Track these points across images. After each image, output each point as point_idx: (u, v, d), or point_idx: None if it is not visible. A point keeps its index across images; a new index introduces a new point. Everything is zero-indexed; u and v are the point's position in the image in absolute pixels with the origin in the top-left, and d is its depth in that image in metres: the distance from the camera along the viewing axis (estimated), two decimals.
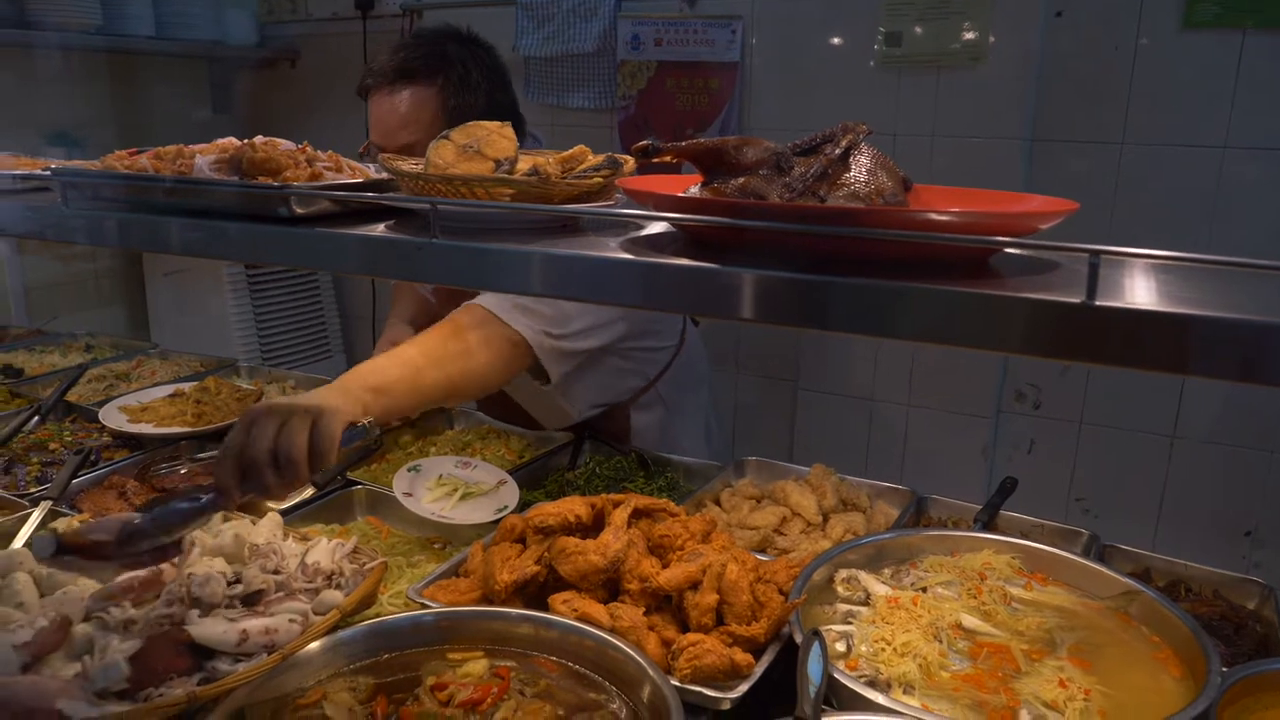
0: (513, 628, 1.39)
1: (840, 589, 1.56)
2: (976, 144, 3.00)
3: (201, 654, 1.22)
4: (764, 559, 1.61)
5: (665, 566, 1.47)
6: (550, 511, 1.52)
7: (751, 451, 2.20)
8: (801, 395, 3.30)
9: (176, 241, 1.35)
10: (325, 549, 1.47)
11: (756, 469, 2.17)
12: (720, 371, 3.44)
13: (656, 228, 1.25)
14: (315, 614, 1.32)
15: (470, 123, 1.41)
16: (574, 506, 1.53)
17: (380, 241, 1.17)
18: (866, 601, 1.52)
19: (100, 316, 4.13)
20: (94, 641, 1.25)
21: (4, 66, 3.84)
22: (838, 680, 1.25)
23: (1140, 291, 0.88)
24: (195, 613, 1.26)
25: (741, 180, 1.15)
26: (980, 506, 1.93)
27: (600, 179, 1.28)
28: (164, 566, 1.37)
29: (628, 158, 1.32)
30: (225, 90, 4.49)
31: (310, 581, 1.38)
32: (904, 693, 1.29)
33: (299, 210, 1.30)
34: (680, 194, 1.14)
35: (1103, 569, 1.58)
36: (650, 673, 1.25)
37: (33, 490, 2.06)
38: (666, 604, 1.47)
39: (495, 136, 1.41)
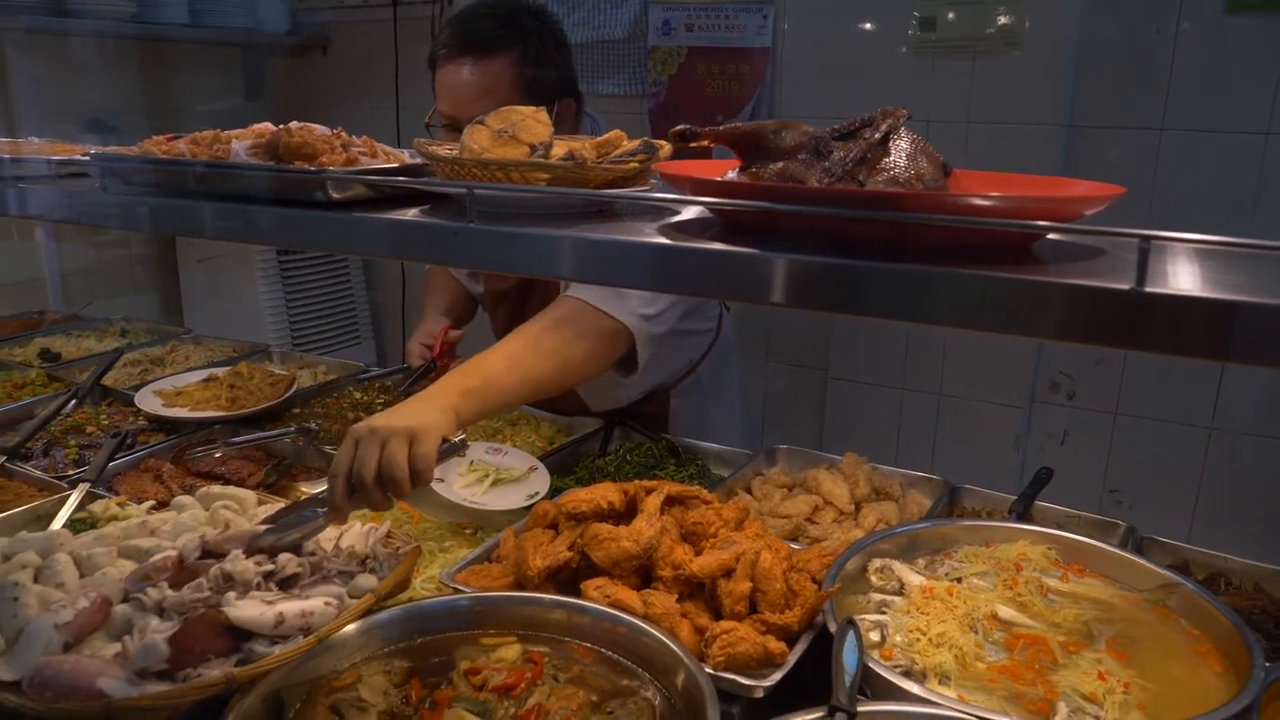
0: (546, 613, 1.39)
1: (874, 578, 1.55)
2: (1013, 130, 2.96)
3: (239, 636, 1.23)
4: (796, 547, 1.60)
5: (698, 554, 1.47)
6: (583, 498, 1.52)
7: (781, 440, 2.19)
8: (832, 384, 3.27)
9: (213, 226, 1.35)
10: (359, 533, 1.48)
11: (788, 457, 2.16)
12: (750, 360, 3.42)
13: (691, 213, 1.24)
14: (350, 597, 1.33)
15: (505, 107, 1.40)
16: (607, 493, 1.53)
17: (416, 226, 1.17)
18: (901, 591, 1.51)
19: (134, 302, 4.18)
20: (132, 622, 1.26)
21: (41, 53, 3.88)
22: (873, 670, 1.25)
23: (1186, 278, 0.86)
24: (232, 595, 1.27)
25: (780, 165, 1.14)
26: (1014, 497, 1.91)
27: (636, 164, 1.27)
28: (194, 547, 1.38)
29: (663, 143, 1.31)
30: (258, 77, 4.51)
31: (345, 565, 1.39)
32: (940, 683, 1.28)
33: (335, 195, 1.30)
34: (718, 179, 1.13)
35: (1141, 561, 1.56)
36: (684, 660, 1.25)
37: (71, 473, 2.09)
38: (699, 591, 1.47)
39: (530, 121, 1.40)
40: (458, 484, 1.93)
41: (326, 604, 1.28)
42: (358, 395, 2.58)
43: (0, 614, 1.26)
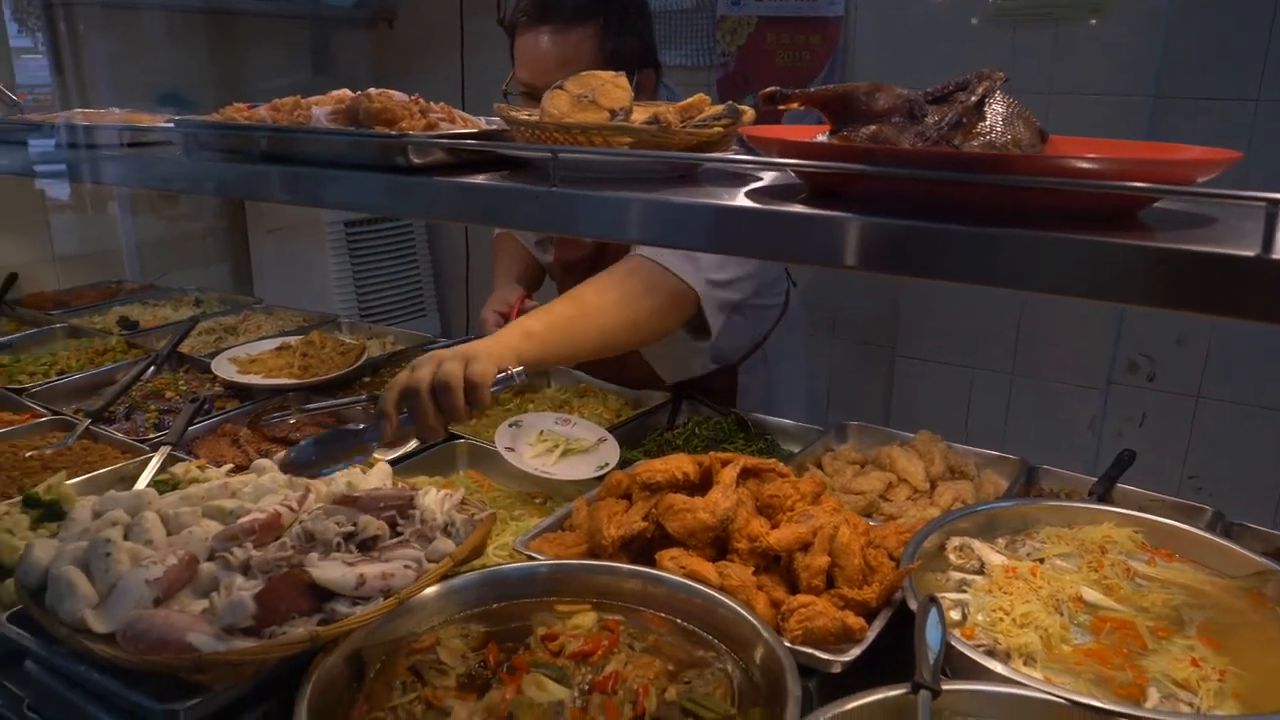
0: (621, 582, 1.39)
1: (953, 557, 1.52)
2: (1097, 101, 2.86)
3: (321, 596, 1.25)
4: (873, 524, 1.57)
5: (774, 527, 1.45)
6: (658, 468, 1.51)
7: (845, 418, 2.15)
8: (900, 362, 3.22)
9: (294, 191, 1.36)
10: (435, 499, 1.48)
11: (858, 434, 2.12)
12: (815, 336, 3.38)
13: (770, 178, 1.22)
14: (428, 561, 1.33)
15: (584, 72, 1.39)
16: (681, 464, 1.52)
17: (499, 191, 1.17)
18: (981, 570, 1.48)
19: (206, 273, 4.26)
20: (218, 579, 1.29)
21: (113, 29, 3.95)
22: (955, 648, 1.22)
23: None
24: (315, 555, 1.28)
25: (873, 128, 1.11)
26: (1094, 479, 1.86)
27: (720, 128, 1.24)
28: (281, 510, 1.40)
29: (746, 108, 1.29)
30: (325, 51, 4.55)
31: (422, 530, 1.40)
32: (1025, 664, 1.25)
33: (416, 160, 1.30)
34: (811, 141, 1.10)
35: (1234, 547, 1.51)
36: (763, 632, 1.24)
37: (151, 436, 2.14)
38: (774, 565, 1.45)
39: (610, 86, 1.38)
40: (528, 454, 1.93)
41: (406, 567, 1.29)
42: None
43: (93, 568, 1.29)
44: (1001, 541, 1.57)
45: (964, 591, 1.42)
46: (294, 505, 1.42)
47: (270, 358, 2.51)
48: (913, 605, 1.31)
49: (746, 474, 1.53)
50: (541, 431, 2.02)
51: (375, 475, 1.59)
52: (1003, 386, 3.11)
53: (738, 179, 1.22)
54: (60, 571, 1.28)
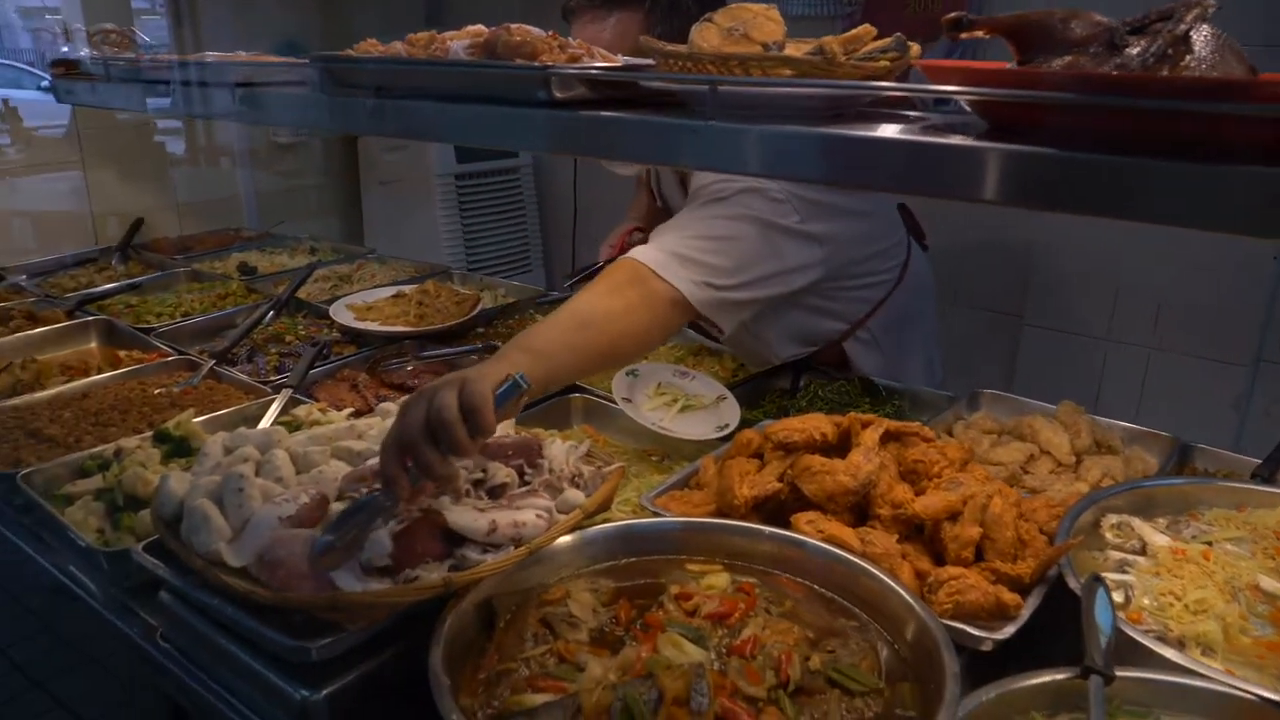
0: (755, 544, 1.33)
1: (1109, 535, 1.41)
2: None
3: (452, 541, 1.22)
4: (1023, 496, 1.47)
5: (918, 494, 1.37)
6: (795, 427, 1.44)
7: (966, 389, 2.04)
8: (1027, 332, 3.07)
9: (431, 126, 1.32)
10: (560, 450, 1.44)
11: (992, 403, 2.01)
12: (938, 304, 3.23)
13: (937, 119, 1.12)
14: (559, 512, 1.29)
15: (733, 4, 1.31)
16: (819, 423, 1.44)
17: (653, 125, 1.10)
18: (1143, 551, 1.37)
19: (319, 224, 4.32)
20: None
21: None
22: (1124, 632, 1.12)
23: None
24: (447, 499, 1.25)
25: (1067, 59, 1.00)
26: (1259, 461, 1.72)
27: (887, 61, 1.15)
28: None
29: (913, 43, 1.19)
30: (437, 1, 4.53)
31: (550, 480, 1.36)
32: (1202, 654, 1.15)
33: (558, 94, 1.24)
34: (1004, 68, 1.00)
35: None
36: (913, 604, 1.16)
37: (273, 378, 2.16)
38: (917, 534, 1.37)
39: (762, 19, 1.30)
40: (645, 406, 1.88)
41: (538, 516, 1.25)
42: (539, 318, 2.56)
43: (226, 503, 1.28)
44: (1162, 521, 1.46)
45: (1125, 573, 1.32)
46: None
47: (386, 305, 2.52)
48: (1072, 584, 1.22)
49: (887, 437, 1.45)
50: (660, 384, 1.97)
51: (500, 426, 1.55)
52: (1139, 360, 2.93)
53: (902, 117, 1.13)
54: (195, 504, 1.28)
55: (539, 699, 1.05)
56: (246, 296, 2.79)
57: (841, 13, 3.41)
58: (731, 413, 1.90)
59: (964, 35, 1.02)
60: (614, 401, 1.99)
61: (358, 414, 1.85)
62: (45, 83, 4.28)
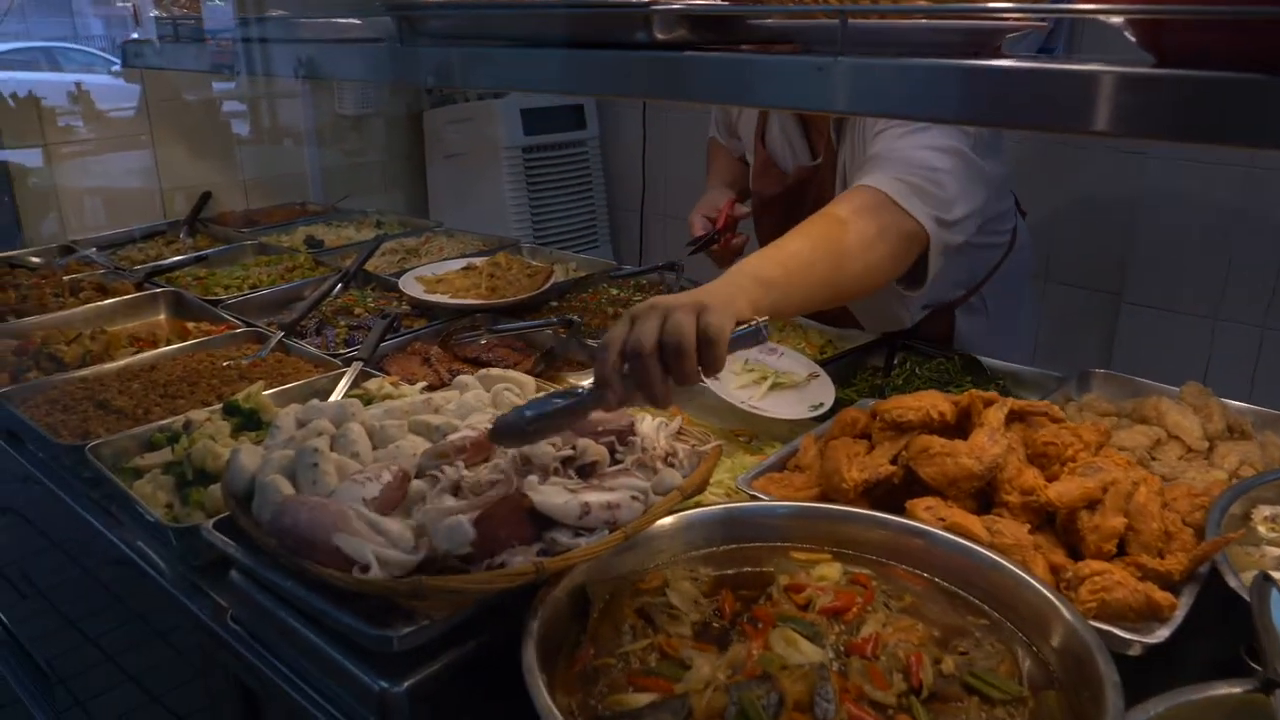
0: (867, 532, 1.21)
1: (1263, 529, 1.27)
2: None
3: (540, 524, 1.12)
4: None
5: (1050, 479, 1.24)
6: (910, 405, 1.31)
7: (1065, 369, 1.89)
8: (1126, 309, 2.88)
9: (520, 74, 1.22)
10: (651, 427, 1.34)
11: (1104, 383, 1.86)
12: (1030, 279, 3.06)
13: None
14: (655, 493, 1.19)
15: None
16: (936, 401, 1.32)
17: (772, 65, 0.98)
18: None
19: (384, 198, 4.26)
20: (426, 499, 1.18)
21: None
22: None
23: None
24: (534, 479, 1.16)
25: None
26: None
27: None
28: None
29: None
30: None
31: (643, 459, 1.26)
32: None
33: (660, 35, 1.13)
34: None
35: None
36: (1055, 601, 1.04)
37: (343, 351, 2.09)
38: (1047, 524, 1.24)
39: None
40: (732, 383, 1.76)
41: (633, 498, 1.15)
42: (614, 291, 2.47)
43: (300, 478, 1.21)
44: None
45: None
46: None
47: (457, 278, 2.43)
48: (1233, 583, 1.09)
49: (1012, 417, 1.32)
50: (746, 360, 1.85)
51: None
52: (1251, 340, 2.73)
53: (1045, 54, 1.00)
54: (268, 480, 1.20)
55: (643, 699, 0.95)
56: (314, 269, 2.73)
57: None
58: (825, 391, 1.78)
59: None
60: None
61: (431, 388, 1.76)
62: (116, 67, 4.30)
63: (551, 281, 2.39)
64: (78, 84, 4.12)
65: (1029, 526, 1.19)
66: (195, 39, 2.05)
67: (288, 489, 1.18)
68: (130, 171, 4.16)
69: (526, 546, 1.10)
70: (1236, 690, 0.93)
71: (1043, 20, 1.03)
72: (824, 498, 1.32)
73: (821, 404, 1.73)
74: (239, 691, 1.43)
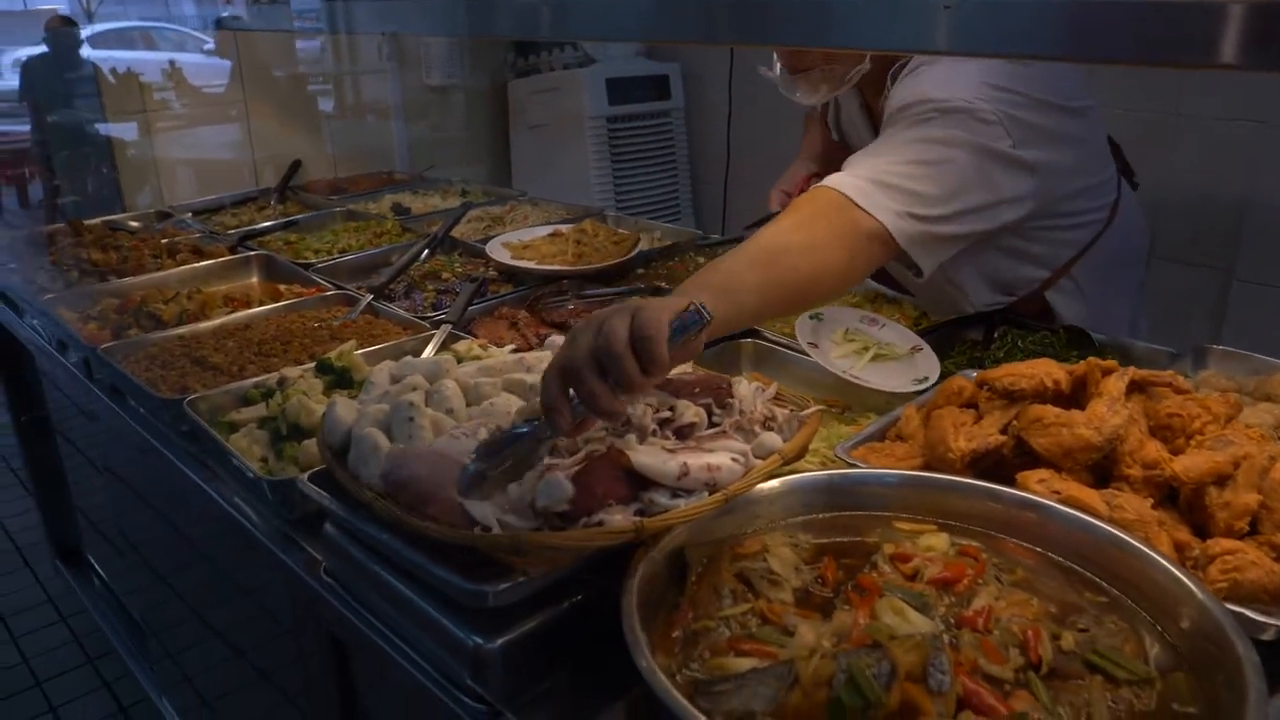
0: (975, 503, 1.16)
1: None
2: None
3: (637, 484, 1.09)
4: None
5: (1174, 453, 1.17)
6: (1023, 373, 1.25)
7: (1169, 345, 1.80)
8: (1238, 287, 2.74)
9: (622, 23, 1.18)
10: (748, 391, 1.30)
11: (1222, 359, 1.76)
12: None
13: None
14: (755, 456, 1.16)
15: None
16: (1050, 369, 1.26)
17: (893, 4, 0.93)
18: None
19: (468, 169, 4.29)
20: None
21: None
22: None
23: None
24: (632, 438, 1.13)
25: None
26: None
27: None
28: None
29: None
30: None
31: (741, 422, 1.22)
32: None
33: None
34: None
35: None
36: (1185, 579, 0.97)
37: (430, 314, 2.09)
38: (1169, 500, 1.17)
39: None
40: (833, 353, 1.72)
41: (733, 460, 1.12)
42: (700, 260, 2.43)
43: (395, 432, 1.20)
44: None
45: None
46: None
47: (543, 244, 2.42)
48: None
49: (1132, 388, 1.25)
50: (847, 329, 1.80)
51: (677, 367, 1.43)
52: None
53: None
54: (364, 433, 1.20)
55: (745, 663, 0.91)
56: (401, 235, 2.75)
57: None
58: (929, 365, 1.71)
59: None
60: (787, 347, 1.84)
61: (518, 352, 1.75)
62: (209, 45, 4.41)
63: (637, 249, 2.36)
64: (172, 61, 4.24)
65: (1151, 502, 1.13)
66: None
67: (384, 442, 1.18)
68: (223, 143, 4.27)
69: (624, 506, 1.08)
70: None
71: None
72: (927, 468, 1.26)
73: (926, 378, 1.67)
74: (330, 645, 1.44)
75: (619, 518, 1.05)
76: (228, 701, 2.15)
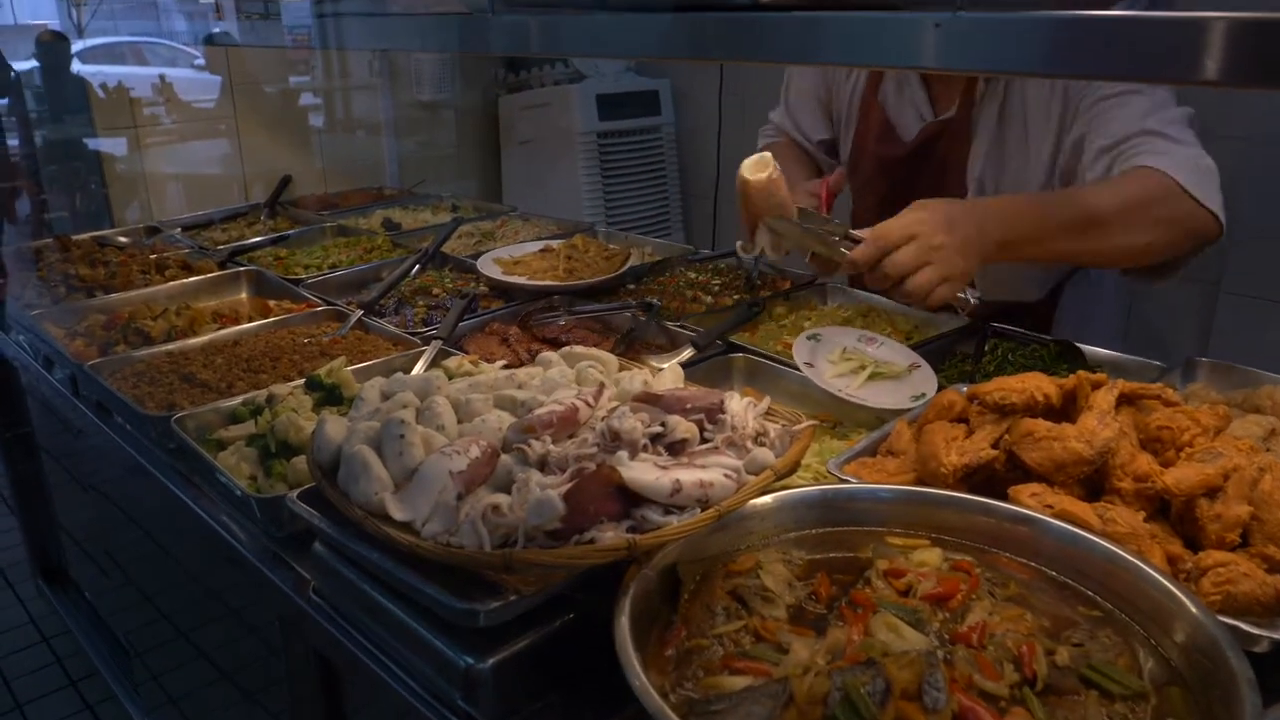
0: (968, 518, 1.16)
1: None
2: None
3: (629, 500, 1.09)
4: None
5: (1165, 465, 1.17)
6: (1013, 387, 1.25)
7: (1156, 358, 1.81)
8: (1225, 299, 2.76)
9: (615, 39, 1.19)
10: (740, 405, 1.30)
11: (1211, 372, 1.77)
12: None
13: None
14: (747, 472, 1.15)
15: None
16: (1041, 383, 1.26)
17: (885, 21, 0.93)
18: None
19: (458, 185, 4.29)
20: (513, 474, 1.16)
21: None
22: None
23: None
24: (624, 454, 1.12)
25: None
26: None
27: None
28: (579, 404, 1.25)
29: None
30: None
31: (733, 437, 1.22)
32: None
33: None
34: None
35: None
36: (1177, 593, 0.97)
37: (421, 330, 2.08)
38: (1160, 513, 1.17)
39: None
40: (829, 372, 1.72)
41: (726, 476, 1.11)
42: (691, 275, 2.43)
43: (386, 450, 1.19)
44: None
45: None
46: (590, 400, 1.27)
47: (534, 260, 2.42)
48: None
49: (1122, 401, 1.25)
50: (844, 349, 1.80)
51: (669, 377, 1.43)
52: None
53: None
54: (354, 450, 1.19)
55: (739, 682, 0.91)
56: (391, 251, 2.75)
57: None
58: (927, 382, 1.72)
59: None
60: (779, 362, 1.84)
61: (509, 368, 1.75)
62: (199, 61, 4.41)
63: (628, 265, 2.36)
64: (162, 76, 4.23)
65: (1143, 515, 1.13)
66: (280, 16, 2.06)
67: (374, 461, 1.17)
68: (213, 158, 4.26)
69: (616, 523, 1.07)
70: None
71: None
72: (919, 483, 1.26)
73: (924, 394, 1.67)
74: (319, 666, 1.43)
75: (611, 535, 1.04)
76: None
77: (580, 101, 3.93)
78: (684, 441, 1.19)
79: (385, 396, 1.36)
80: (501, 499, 1.10)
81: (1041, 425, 1.20)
